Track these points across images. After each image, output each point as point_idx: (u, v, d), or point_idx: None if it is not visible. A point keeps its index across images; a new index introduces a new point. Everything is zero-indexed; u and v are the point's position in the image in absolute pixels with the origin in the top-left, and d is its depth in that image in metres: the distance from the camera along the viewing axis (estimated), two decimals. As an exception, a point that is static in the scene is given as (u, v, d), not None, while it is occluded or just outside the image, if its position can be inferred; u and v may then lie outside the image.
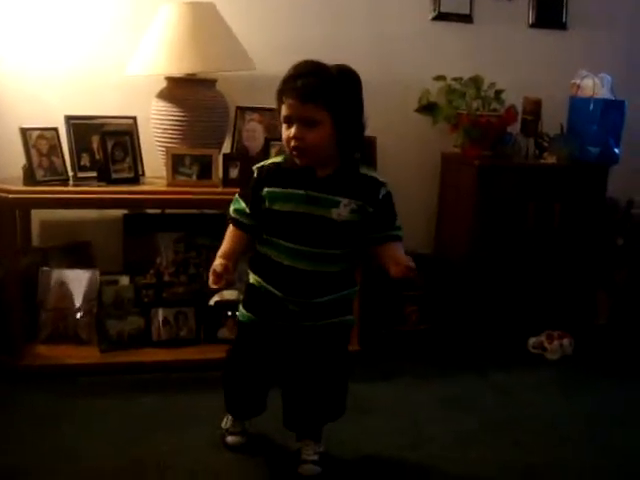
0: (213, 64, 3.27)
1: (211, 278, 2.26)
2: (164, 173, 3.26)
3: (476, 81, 3.59)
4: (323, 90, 2.12)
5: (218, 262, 2.27)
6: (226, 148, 3.48)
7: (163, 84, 3.36)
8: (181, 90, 3.31)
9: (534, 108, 3.74)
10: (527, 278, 3.64)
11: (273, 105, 3.02)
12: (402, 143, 3.79)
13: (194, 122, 3.26)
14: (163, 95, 3.33)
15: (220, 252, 2.33)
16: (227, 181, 3.32)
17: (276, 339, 2.36)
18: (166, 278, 3.46)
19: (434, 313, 3.67)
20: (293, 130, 2.16)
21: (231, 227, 2.35)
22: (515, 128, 3.72)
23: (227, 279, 2.26)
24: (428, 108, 3.63)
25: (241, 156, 3.41)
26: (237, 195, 2.36)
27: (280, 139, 2.80)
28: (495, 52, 3.88)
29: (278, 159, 2.32)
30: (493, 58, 3.85)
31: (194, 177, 3.24)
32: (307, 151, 2.17)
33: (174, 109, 3.27)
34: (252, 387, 2.49)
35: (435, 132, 3.74)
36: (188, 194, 3.19)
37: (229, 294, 3.39)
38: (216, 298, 3.40)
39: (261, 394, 2.51)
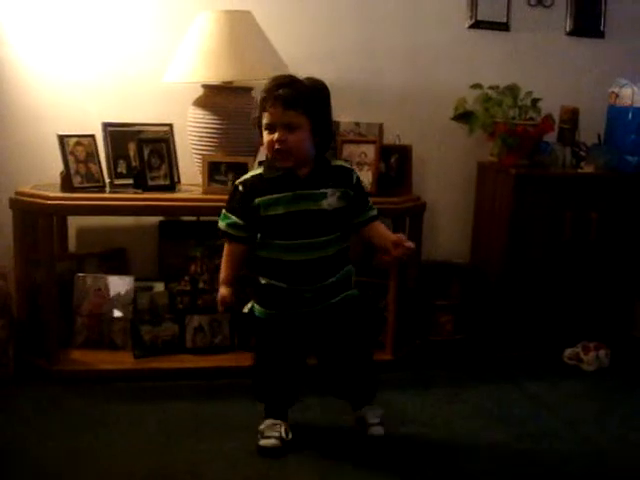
0: (249, 72, 3.28)
1: (221, 308, 2.60)
2: (200, 180, 3.27)
3: (513, 90, 3.57)
4: (302, 99, 2.41)
5: (226, 292, 2.56)
6: (261, 156, 3.44)
7: (200, 92, 3.38)
8: (217, 98, 3.33)
9: (571, 117, 3.71)
10: (563, 288, 3.62)
11: None
12: (438, 152, 3.79)
13: (230, 130, 3.28)
14: (199, 103, 3.34)
15: (223, 278, 2.58)
16: None
17: (296, 326, 2.57)
18: (201, 285, 3.46)
19: (469, 323, 3.66)
20: (276, 134, 2.42)
21: (226, 244, 2.58)
22: (552, 137, 3.70)
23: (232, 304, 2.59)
24: (464, 116, 3.60)
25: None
26: (224, 211, 2.57)
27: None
28: (532, 60, 3.87)
29: (258, 171, 2.56)
30: (530, 66, 3.84)
31: (229, 184, 3.23)
32: (289, 152, 2.44)
33: (210, 117, 3.29)
34: (286, 374, 2.64)
35: (471, 141, 3.73)
36: (223, 202, 3.16)
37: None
38: (250, 305, 3.39)
39: (294, 380, 2.68)
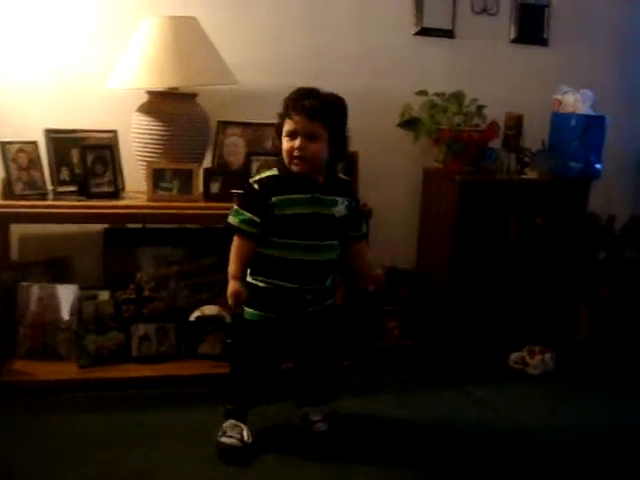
0: (194, 78, 3.26)
1: (233, 302, 2.54)
2: (145, 187, 3.23)
3: (458, 96, 3.60)
4: (325, 111, 2.54)
5: (238, 286, 2.54)
6: (207, 162, 3.47)
7: (144, 98, 3.34)
8: (162, 104, 3.30)
9: (516, 123, 3.75)
10: (509, 293, 3.65)
11: (255, 119, 3.24)
12: (384, 158, 3.79)
13: (175, 136, 3.25)
14: (144, 109, 3.31)
15: (232, 273, 2.57)
16: (208, 195, 3.32)
17: (288, 329, 2.67)
18: (146, 293, 3.43)
19: (416, 328, 3.66)
20: (298, 142, 2.54)
21: (238, 241, 2.59)
22: (497, 143, 3.74)
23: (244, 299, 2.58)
24: (410, 123, 3.63)
25: (222, 170, 3.41)
26: (237, 208, 2.61)
27: (261, 154, 3.30)
28: (477, 67, 3.90)
29: (273, 172, 2.64)
30: (475, 73, 3.87)
31: (174, 191, 3.23)
32: (307, 160, 2.56)
33: (155, 123, 3.25)
34: (266, 378, 2.72)
35: (417, 147, 3.75)
36: (168, 209, 3.17)
37: (209, 309, 3.39)
38: (197, 313, 3.38)
39: (271, 383, 2.75)
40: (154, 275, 3.49)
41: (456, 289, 3.59)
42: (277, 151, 2.68)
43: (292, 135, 2.57)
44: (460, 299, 3.58)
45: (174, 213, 3.18)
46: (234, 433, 2.63)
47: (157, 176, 3.20)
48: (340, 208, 2.65)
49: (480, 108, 3.61)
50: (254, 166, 3.34)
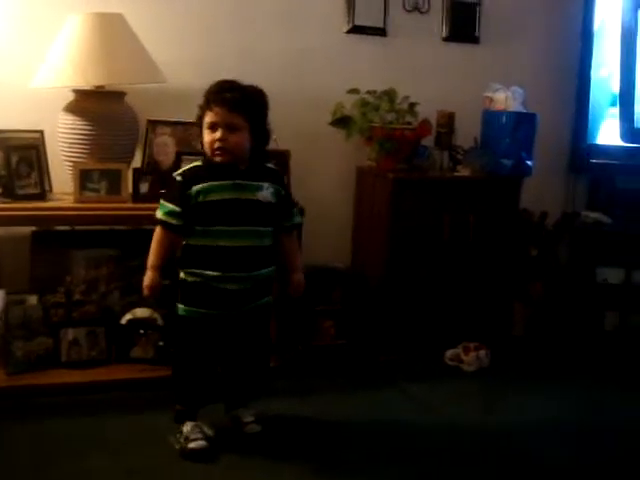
0: (121, 76, 3.21)
1: (148, 293, 2.64)
2: (72, 189, 3.16)
3: (390, 94, 3.59)
4: (246, 103, 2.58)
5: (152, 276, 2.62)
6: (137, 162, 3.41)
7: (70, 97, 3.27)
8: (88, 103, 3.23)
9: (448, 121, 3.76)
10: (443, 290, 3.66)
11: (184, 118, 3.19)
12: (316, 156, 3.77)
13: (102, 136, 3.19)
14: (70, 108, 3.24)
15: (150, 263, 2.63)
16: (137, 196, 3.27)
17: (218, 325, 2.65)
18: (76, 297, 3.35)
19: (351, 327, 3.64)
20: (218, 133, 2.57)
21: (160, 232, 2.63)
22: (429, 141, 3.74)
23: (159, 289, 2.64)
24: (342, 121, 3.61)
25: (152, 170, 3.36)
26: (162, 201, 2.64)
27: (191, 153, 3.23)
28: (409, 65, 3.90)
29: (197, 163, 2.70)
30: (407, 71, 3.87)
31: (103, 192, 3.17)
32: (228, 151, 2.59)
33: (81, 123, 3.19)
34: (207, 374, 2.71)
35: (350, 145, 3.72)
36: (97, 210, 3.12)
37: (141, 312, 3.34)
38: (128, 317, 3.32)
39: (212, 380, 2.75)
40: (84, 278, 3.41)
41: (391, 287, 3.58)
42: (200, 144, 2.71)
43: (213, 127, 2.60)
44: (395, 297, 3.58)
45: (102, 214, 3.13)
46: (197, 435, 2.64)
47: (84, 177, 3.14)
48: (265, 193, 2.66)
49: (412, 106, 3.62)
50: (184, 165, 3.26)
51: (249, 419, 2.78)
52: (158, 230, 2.64)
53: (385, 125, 3.56)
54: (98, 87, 3.24)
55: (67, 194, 3.22)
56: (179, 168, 3.16)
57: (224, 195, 2.61)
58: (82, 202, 3.13)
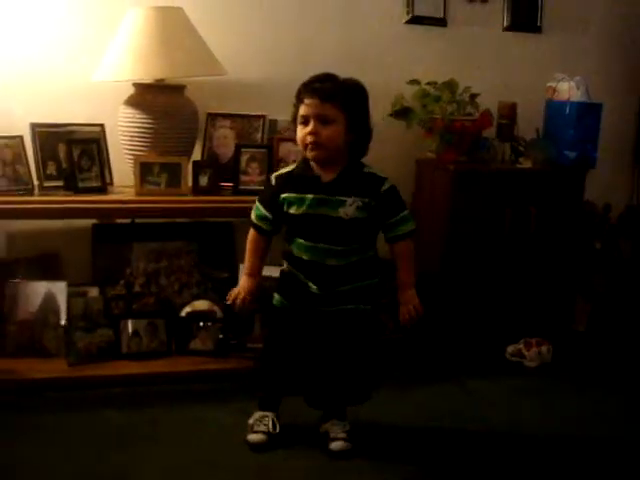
0: (181, 69, 3.21)
1: (232, 298, 2.62)
2: (133, 182, 3.18)
3: (450, 85, 3.54)
4: (339, 93, 2.42)
5: (244, 283, 2.62)
6: (196, 155, 3.41)
7: (131, 90, 3.29)
8: (149, 96, 3.24)
9: (509, 112, 3.70)
10: (504, 284, 3.60)
11: (244, 111, 3.26)
12: (375, 148, 3.47)
13: (162, 129, 3.20)
14: (131, 102, 3.26)
15: (245, 269, 2.63)
16: (197, 189, 3.27)
17: (303, 323, 2.56)
18: (136, 289, 3.39)
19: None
20: (310, 126, 2.42)
21: (252, 234, 2.61)
22: (491, 133, 3.68)
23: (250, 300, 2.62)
24: (402, 113, 3.56)
25: (211, 163, 3.36)
26: (257, 201, 2.60)
27: (251, 146, 3.29)
28: (470, 56, 3.85)
29: (291, 167, 2.59)
30: (468, 62, 3.82)
31: (163, 186, 3.18)
32: (321, 146, 2.42)
33: (142, 116, 3.20)
34: (289, 365, 2.61)
35: (409, 137, 3.67)
36: (157, 203, 3.13)
37: (201, 304, 3.36)
38: (187, 309, 3.34)
39: (297, 373, 2.62)
40: (144, 270, 3.43)
41: (451, 281, 3.53)
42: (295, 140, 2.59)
43: (305, 121, 2.45)
44: (455, 291, 3.53)
45: (163, 207, 3.14)
46: (261, 427, 2.62)
47: (145, 170, 3.16)
48: (349, 209, 2.46)
49: (473, 97, 3.56)
50: (243, 159, 3.31)
51: (339, 435, 2.63)
52: (251, 232, 2.62)
53: (446, 117, 3.51)
54: (158, 80, 3.25)
55: (128, 187, 3.25)
56: (238, 161, 3.28)
57: (304, 209, 2.49)
58: (143, 195, 3.15)
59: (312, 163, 2.50)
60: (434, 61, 3.77)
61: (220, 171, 3.31)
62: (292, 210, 2.50)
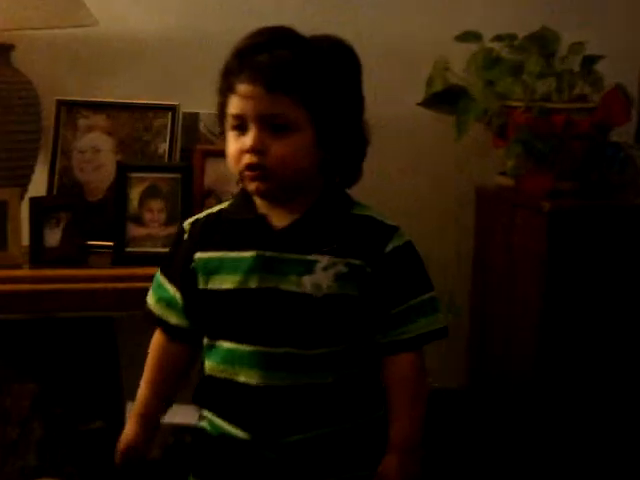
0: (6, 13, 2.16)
1: (119, 456, 1.60)
2: None
3: (543, 40, 2.34)
4: (303, 74, 1.44)
5: (130, 430, 1.60)
6: (38, 186, 2.30)
7: None
8: None
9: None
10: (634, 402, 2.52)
11: (134, 98, 2.40)
12: (387, 166, 2.54)
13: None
14: None
15: (138, 403, 1.62)
16: (39, 254, 2.21)
17: None
18: None
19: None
20: (250, 137, 1.45)
21: (156, 336, 1.64)
22: (627, 133, 2.51)
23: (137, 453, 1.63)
24: (446, 98, 2.40)
25: (69, 202, 2.28)
26: (158, 273, 1.66)
27: (154, 168, 2.42)
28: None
29: (223, 205, 1.66)
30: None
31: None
32: (270, 173, 1.47)
33: None
34: None
35: (462, 145, 2.48)
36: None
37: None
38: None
39: None
40: None
41: (544, 401, 2.49)
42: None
43: (240, 126, 1.48)
44: (550, 414, 2.47)
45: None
46: None
47: None
48: (322, 277, 1.49)
49: (591, 62, 2.34)
50: (134, 192, 2.22)
51: None
52: (155, 334, 1.67)
53: (535, 104, 2.33)
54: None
55: None
56: (125, 195, 2.29)
57: (238, 281, 1.52)
58: None
59: (256, 198, 1.59)
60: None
61: (87, 217, 2.24)
62: (213, 284, 1.55)
